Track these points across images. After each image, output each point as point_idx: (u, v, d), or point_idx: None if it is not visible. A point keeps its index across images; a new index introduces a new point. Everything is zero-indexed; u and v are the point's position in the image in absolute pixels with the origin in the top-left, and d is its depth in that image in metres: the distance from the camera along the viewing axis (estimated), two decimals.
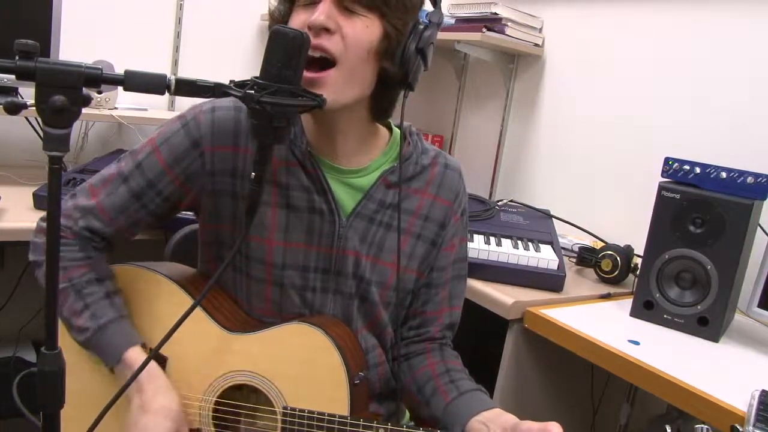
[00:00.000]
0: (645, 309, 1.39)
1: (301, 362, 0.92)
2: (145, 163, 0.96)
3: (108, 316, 0.92)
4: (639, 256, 1.49)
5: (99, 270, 0.96)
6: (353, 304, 1.00)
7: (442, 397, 1.00)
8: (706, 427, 0.80)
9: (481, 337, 1.70)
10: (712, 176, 1.33)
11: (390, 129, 1.05)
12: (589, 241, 1.84)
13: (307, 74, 0.83)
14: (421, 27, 0.90)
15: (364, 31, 0.86)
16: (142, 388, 0.88)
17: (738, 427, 0.90)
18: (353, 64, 0.87)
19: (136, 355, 0.90)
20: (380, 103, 0.96)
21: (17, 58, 0.62)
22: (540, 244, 1.57)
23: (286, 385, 0.92)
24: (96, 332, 0.91)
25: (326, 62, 0.86)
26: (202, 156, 0.95)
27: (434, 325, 1.09)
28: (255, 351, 0.93)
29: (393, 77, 0.91)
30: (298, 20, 0.87)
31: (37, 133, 1.97)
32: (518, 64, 2.30)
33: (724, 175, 1.31)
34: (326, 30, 0.84)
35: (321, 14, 0.84)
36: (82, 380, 0.95)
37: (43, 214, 0.86)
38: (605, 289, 1.56)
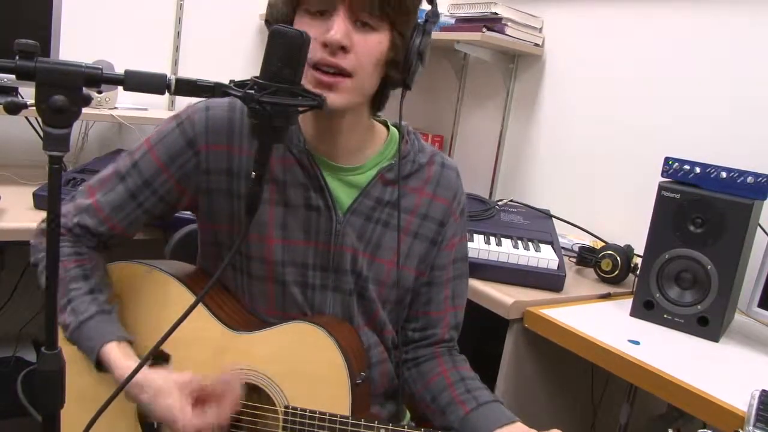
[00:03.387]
0: (645, 309, 1.39)
1: (303, 361, 0.92)
2: (141, 162, 0.97)
3: (88, 312, 0.91)
4: (639, 256, 1.49)
5: (87, 266, 0.96)
6: (353, 301, 1.00)
7: (460, 407, 0.99)
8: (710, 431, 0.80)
9: (481, 337, 1.70)
10: (712, 176, 1.33)
11: (387, 127, 1.05)
12: (589, 241, 1.84)
13: (321, 77, 0.85)
14: (421, 28, 0.92)
15: (376, 46, 0.88)
16: (131, 391, 0.87)
17: None
18: (365, 76, 0.89)
19: (112, 350, 0.89)
20: (378, 100, 0.98)
21: (17, 57, 0.62)
22: (540, 244, 1.57)
23: (287, 384, 0.92)
24: (76, 329, 0.91)
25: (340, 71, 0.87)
26: (197, 155, 0.96)
27: (440, 327, 1.08)
28: (257, 350, 0.93)
29: (394, 80, 0.93)
30: (311, 32, 0.85)
31: (37, 132, 1.97)
32: (518, 64, 2.30)
33: (724, 175, 1.31)
34: (342, 48, 0.85)
35: (337, 32, 0.84)
36: (84, 379, 0.95)
37: (41, 217, 0.86)
38: (605, 289, 1.56)
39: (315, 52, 0.85)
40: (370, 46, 0.87)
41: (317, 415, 0.88)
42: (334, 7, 0.85)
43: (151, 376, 0.87)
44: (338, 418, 0.87)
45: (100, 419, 0.73)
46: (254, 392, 0.95)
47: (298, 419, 0.89)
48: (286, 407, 0.91)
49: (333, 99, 0.86)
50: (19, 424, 1.82)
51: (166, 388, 0.86)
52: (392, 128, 1.05)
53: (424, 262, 1.05)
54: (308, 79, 0.86)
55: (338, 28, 0.84)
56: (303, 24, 0.87)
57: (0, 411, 1.81)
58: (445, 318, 1.09)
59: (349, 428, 0.87)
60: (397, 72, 0.92)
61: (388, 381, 1.06)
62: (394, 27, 0.89)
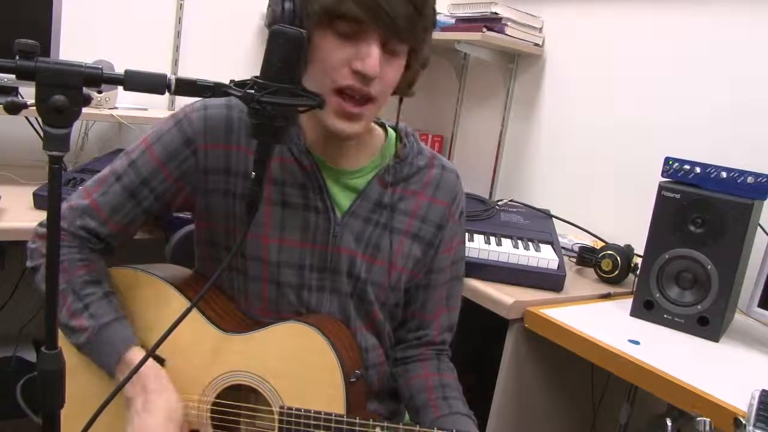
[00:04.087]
0: (645, 309, 1.39)
1: (296, 361, 0.92)
2: (138, 161, 0.96)
3: (108, 316, 0.92)
4: (639, 255, 1.49)
5: (96, 271, 0.96)
6: (350, 303, 1.00)
7: (432, 411, 1.01)
8: (707, 420, 0.80)
9: (481, 337, 1.70)
10: (712, 176, 1.33)
11: (385, 130, 1.05)
12: (589, 241, 1.84)
13: (347, 107, 0.86)
14: (428, 42, 0.93)
15: (398, 71, 0.89)
16: (147, 387, 0.88)
17: (741, 419, 0.90)
18: (384, 100, 0.90)
19: (135, 354, 0.90)
20: None
21: (17, 57, 0.62)
22: (540, 244, 1.57)
23: (282, 385, 0.92)
24: (96, 332, 0.90)
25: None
26: (195, 154, 0.95)
27: (432, 328, 1.09)
28: (251, 351, 0.93)
29: (400, 92, 0.96)
30: (339, 55, 0.85)
31: (38, 132, 1.97)
32: (518, 64, 2.30)
33: (724, 175, 1.31)
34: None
35: (375, 66, 0.84)
36: (83, 382, 0.95)
37: (41, 217, 0.86)
38: (605, 289, 1.56)
39: (342, 77, 0.85)
40: (394, 73, 0.89)
41: (312, 415, 0.88)
42: (367, 33, 0.84)
43: (170, 389, 0.89)
44: (333, 417, 0.87)
45: (100, 420, 0.73)
46: (251, 393, 0.95)
47: (293, 419, 0.89)
48: (281, 408, 0.91)
49: (355, 128, 0.89)
50: (19, 425, 1.82)
51: (176, 409, 0.88)
52: (390, 130, 1.05)
53: (420, 263, 1.05)
54: (332, 106, 0.86)
55: (376, 59, 0.84)
56: (327, 44, 0.85)
57: (0, 411, 1.81)
58: (438, 319, 1.09)
59: (345, 427, 0.87)
60: (407, 87, 0.94)
61: (385, 381, 1.06)
62: (414, 53, 0.90)
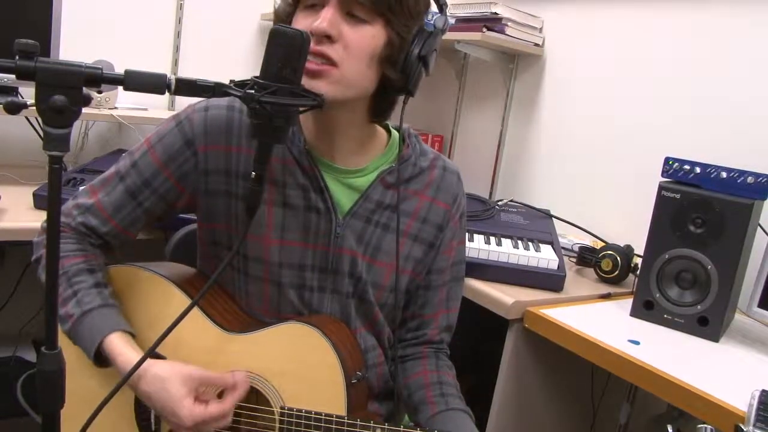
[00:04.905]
0: (645, 309, 1.39)
1: (298, 362, 0.92)
2: (140, 162, 0.97)
3: (93, 303, 0.91)
4: (639, 256, 1.49)
5: (92, 262, 0.96)
6: (351, 303, 1.00)
7: (430, 407, 1.02)
8: (709, 427, 0.80)
9: (481, 337, 1.70)
10: (712, 176, 1.33)
11: (388, 131, 1.05)
12: (589, 241, 1.84)
13: (309, 64, 0.83)
14: (425, 34, 0.90)
15: (367, 40, 0.86)
16: (132, 381, 0.87)
17: (741, 426, 0.90)
18: (354, 69, 0.87)
19: (116, 339, 0.88)
20: (379, 104, 0.95)
21: (17, 57, 0.62)
22: (540, 244, 1.57)
23: (283, 385, 0.92)
24: (79, 318, 0.90)
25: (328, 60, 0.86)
26: (195, 155, 0.96)
27: (431, 328, 1.09)
28: (252, 351, 0.93)
29: (394, 82, 0.91)
30: (301, 25, 0.86)
31: (38, 132, 1.97)
32: (518, 64, 2.30)
33: (724, 175, 1.31)
34: (328, 37, 0.84)
35: (323, 21, 0.83)
36: (83, 382, 0.95)
37: (41, 217, 0.86)
38: (605, 289, 1.55)
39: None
40: (360, 38, 0.86)
41: (313, 416, 0.88)
42: (326, 2, 0.85)
43: (153, 365, 0.87)
44: (334, 419, 0.87)
45: (99, 417, 0.73)
46: (250, 393, 0.95)
47: (294, 420, 0.90)
48: (282, 408, 0.91)
49: (319, 86, 0.85)
50: (19, 424, 1.82)
51: (168, 378, 0.85)
52: (393, 131, 1.05)
53: (420, 264, 1.05)
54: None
55: (324, 17, 0.84)
56: (298, 18, 0.88)
57: (0, 411, 1.81)
58: (437, 319, 1.09)
59: (345, 428, 0.87)
60: (394, 72, 0.89)
61: (384, 382, 1.07)
62: (390, 25, 0.87)
